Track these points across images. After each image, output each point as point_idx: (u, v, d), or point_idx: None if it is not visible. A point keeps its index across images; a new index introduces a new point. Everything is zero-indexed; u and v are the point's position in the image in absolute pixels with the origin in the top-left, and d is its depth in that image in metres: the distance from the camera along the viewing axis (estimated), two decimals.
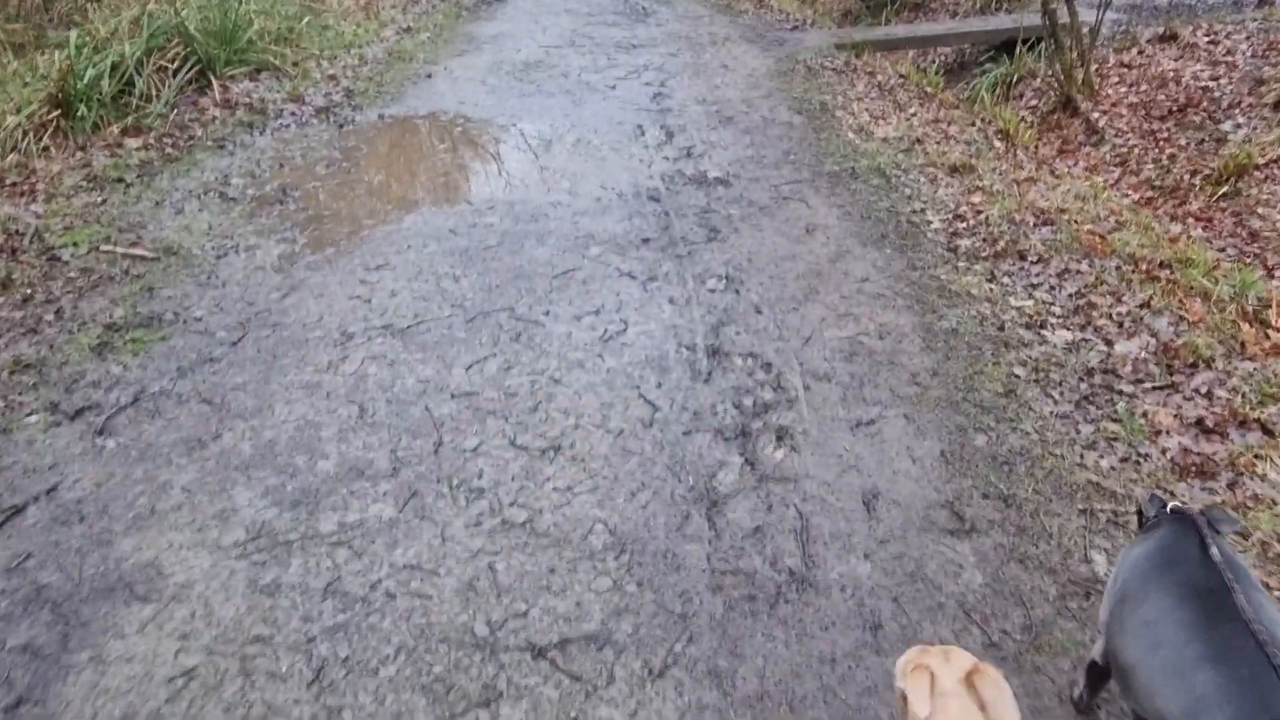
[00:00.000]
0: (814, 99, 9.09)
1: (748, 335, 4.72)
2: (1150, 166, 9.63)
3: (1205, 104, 10.23)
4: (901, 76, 10.49)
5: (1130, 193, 9.08)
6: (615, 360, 4.48)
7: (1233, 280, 5.20)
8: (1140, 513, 2.32)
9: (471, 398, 4.13)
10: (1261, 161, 8.52)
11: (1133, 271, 5.23)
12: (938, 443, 3.81)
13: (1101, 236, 5.81)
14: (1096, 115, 10.86)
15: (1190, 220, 8.42)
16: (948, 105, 9.65)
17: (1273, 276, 7.05)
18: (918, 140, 8.03)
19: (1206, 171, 8.91)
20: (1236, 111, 9.84)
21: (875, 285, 5.24)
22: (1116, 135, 10.40)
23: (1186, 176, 9.07)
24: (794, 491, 3.58)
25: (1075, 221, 6.04)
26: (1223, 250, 7.74)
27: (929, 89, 10.18)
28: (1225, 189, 8.59)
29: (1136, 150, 9.96)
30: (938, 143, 8.10)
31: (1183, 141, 9.83)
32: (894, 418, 3.98)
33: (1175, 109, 10.44)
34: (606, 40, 11.33)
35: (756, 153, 7.62)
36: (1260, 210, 8.17)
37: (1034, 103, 11.90)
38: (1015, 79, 11.99)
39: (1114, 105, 11.02)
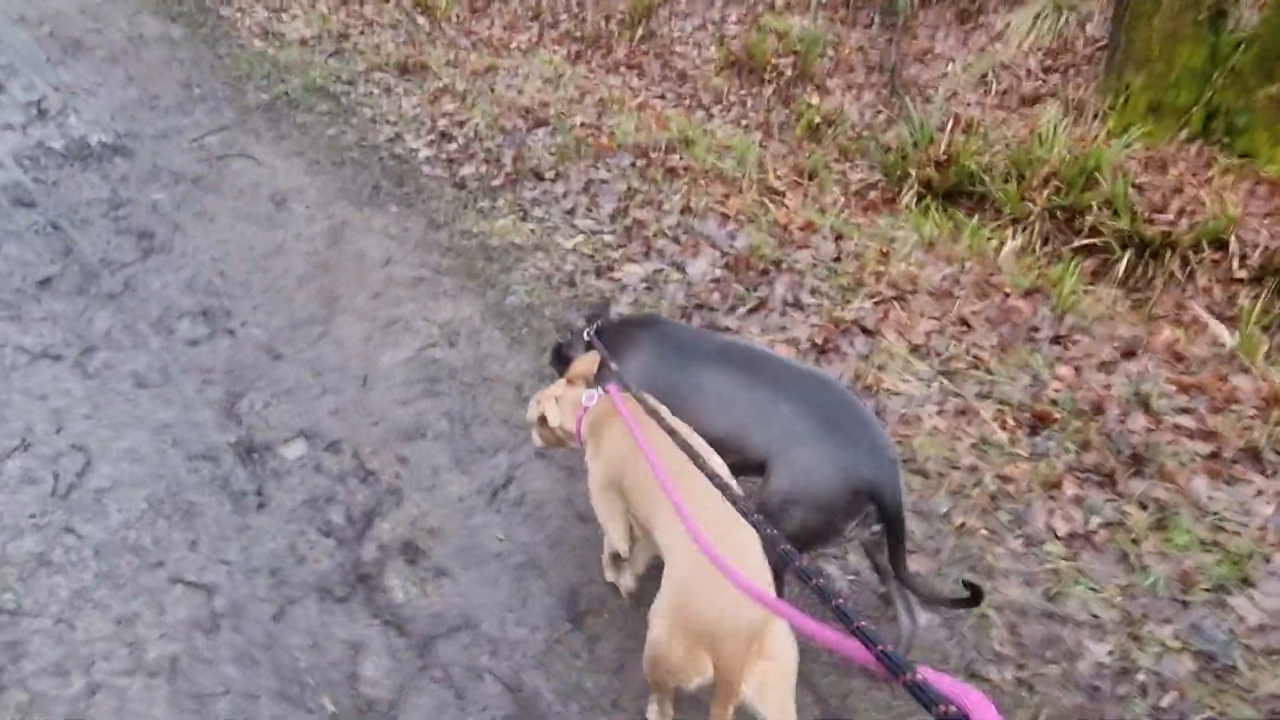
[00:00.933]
0: None
1: (283, 402, 3.34)
2: (565, 18, 9.51)
3: None
4: None
5: (557, 48, 8.88)
6: (97, 531, 2.80)
7: (735, 153, 5.22)
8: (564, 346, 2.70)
9: None
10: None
11: (649, 168, 4.94)
12: None
13: (598, 129, 5.39)
14: None
15: (623, 70, 8.55)
16: None
17: (712, 117, 7.46)
18: (342, 36, 6.63)
19: (620, 16, 9.05)
20: None
21: (407, 266, 4.12)
22: None
23: (603, 23, 9.12)
24: (481, 649, 2.55)
25: (562, 114, 5.51)
26: (662, 99, 8.02)
27: None
28: (640, 31, 8.81)
29: (541, 4, 9.72)
30: (363, 33, 6.80)
31: None
32: (529, 462, 3.13)
33: None
34: None
35: (143, 92, 5.56)
36: (677, 49, 8.58)
37: None
38: None
39: None
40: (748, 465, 2.09)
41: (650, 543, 2.01)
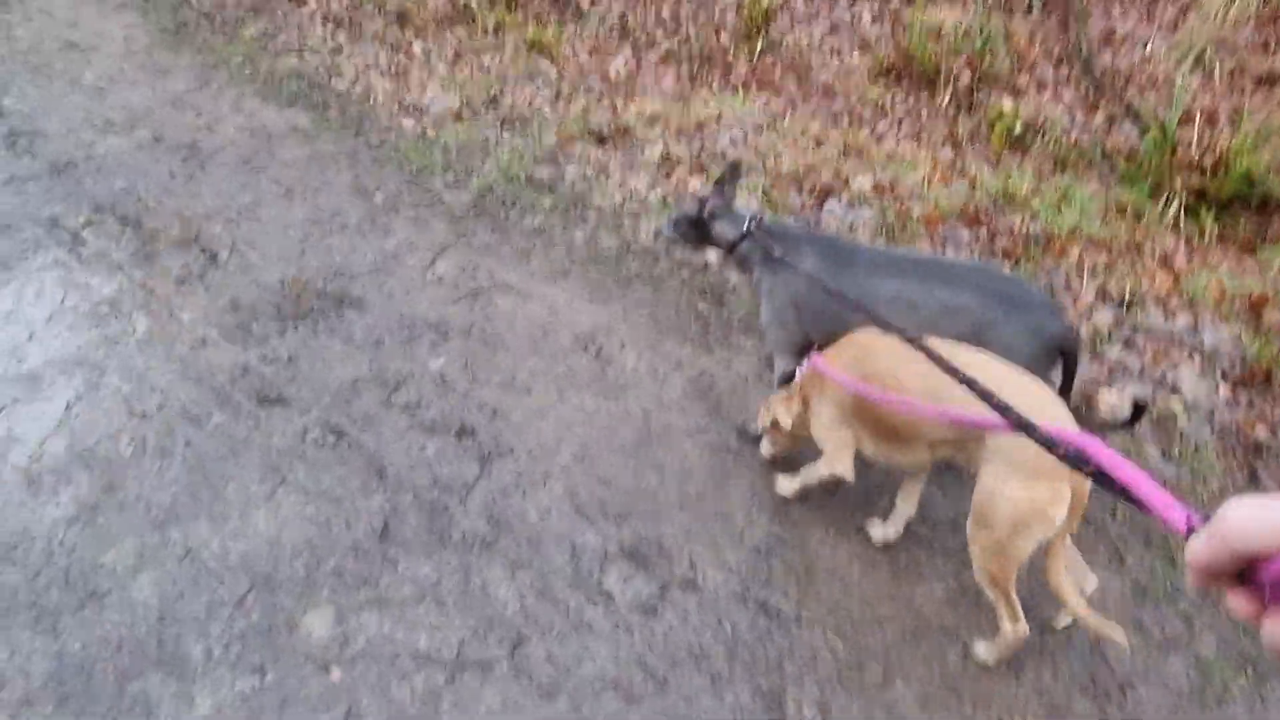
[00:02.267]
0: None
1: None
2: (661, 35, 8.44)
3: None
4: None
5: (662, 67, 7.81)
6: None
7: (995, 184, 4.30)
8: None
9: None
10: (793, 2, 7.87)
11: (994, 239, 4.03)
12: None
13: (891, 191, 4.45)
14: None
15: (754, 90, 7.54)
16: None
17: (880, 136, 6.53)
18: (492, 101, 5.49)
19: (732, 27, 8.02)
20: None
21: None
22: (592, 5, 8.89)
23: (713, 37, 8.08)
24: None
25: (842, 176, 4.55)
26: (837, 118, 7.04)
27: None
28: (760, 43, 7.80)
29: (629, 18, 8.62)
30: (510, 93, 5.67)
31: None
32: None
33: None
34: None
35: (315, 208, 4.37)
36: (814, 59, 7.61)
37: None
38: None
39: None
40: None
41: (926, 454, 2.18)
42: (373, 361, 3.45)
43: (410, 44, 6.28)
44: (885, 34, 7.36)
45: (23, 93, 5.61)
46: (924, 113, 6.76)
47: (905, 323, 2.21)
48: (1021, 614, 2.17)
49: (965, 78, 6.80)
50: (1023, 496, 1.91)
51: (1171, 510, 0.66)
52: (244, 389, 3.29)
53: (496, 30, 7.06)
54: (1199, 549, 0.50)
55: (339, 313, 3.68)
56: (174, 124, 5.17)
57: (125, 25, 6.65)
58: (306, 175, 4.65)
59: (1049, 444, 0.89)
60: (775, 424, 2.45)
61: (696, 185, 4.52)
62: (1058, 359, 2.25)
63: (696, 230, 2.69)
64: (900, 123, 6.67)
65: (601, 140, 4.93)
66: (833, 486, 2.65)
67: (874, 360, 2.13)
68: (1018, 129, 6.05)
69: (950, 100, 6.72)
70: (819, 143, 5.24)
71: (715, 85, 7.57)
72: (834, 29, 7.62)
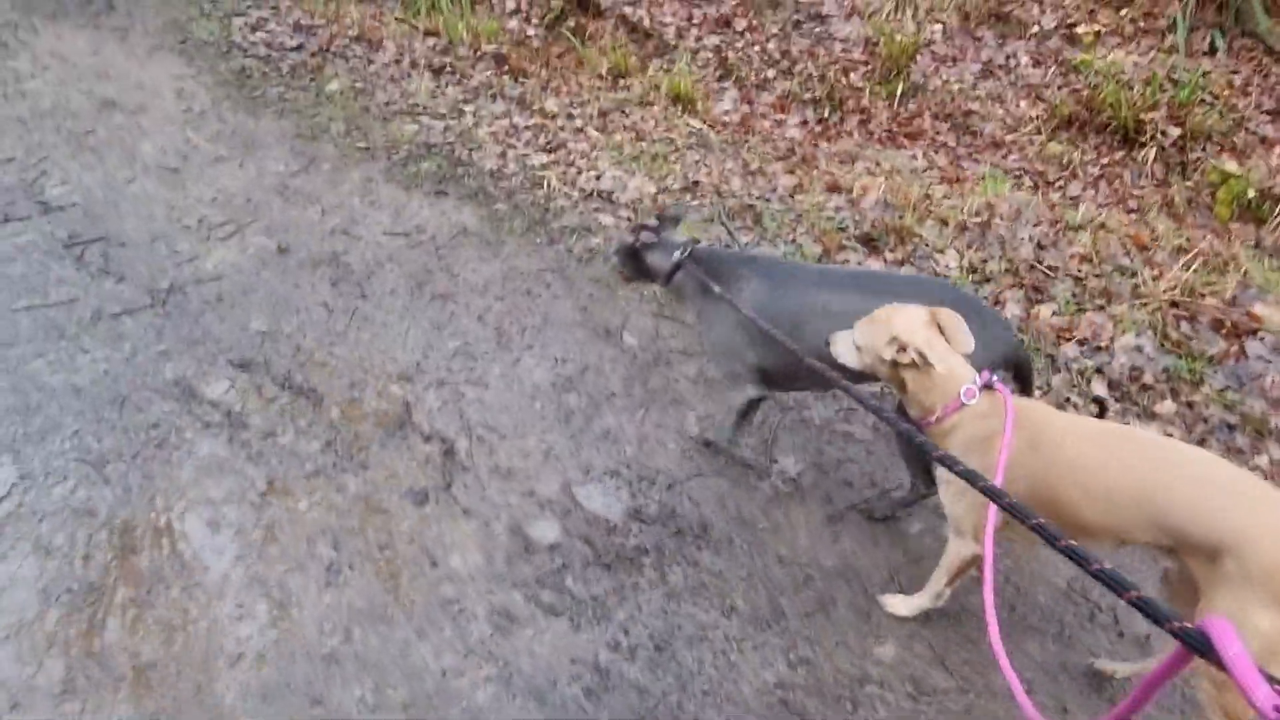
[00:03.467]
0: None
1: None
2: (773, 74, 7.41)
3: None
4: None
5: (781, 116, 6.79)
6: None
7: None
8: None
9: None
10: (932, 39, 6.92)
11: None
12: None
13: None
14: (627, 10, 8.07)
15: (903, 142, 6.59)
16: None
17: (1073, 198, 5.66)
18: (689, 188, 4.41)
19: (865, 69, 7.05)
20: None
21: None
22: (680, 37, 7.81)
23: (842, 79, 7.09)
24: None
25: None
26: (1018, 179, 6.12)
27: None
28: (902, 86, 6.85)
29: (729, 55, 7.58)
30: (698, 172, 4.59)
31: (773, 28, 7.73)
32: None
33: None
34: None
35: (562, 363, 3.26)
36: (970, 106, 6.69)
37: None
38: None
39: None
40: (874, 376, 2.12)
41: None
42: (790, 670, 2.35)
43: (542, 100, 5.13)
44: (1051, 79, 6.47)
45: (69, 176, 4.28)
46: (1125, 174, 5.89)
47: None
48: None
49: (1171, 132, 5.95)
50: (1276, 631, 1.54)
51: (1257, 689, 0.62)
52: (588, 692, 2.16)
53: (617, 77, 5.95)
54: None
55: (691, 558, 2.56)
56: (296, 225, 3.94)
57: (171, 75, 5.31)
58: (516, 305, 3.49)
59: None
60: (902, 357, 1.90)
61: (1047, 314, 3.53)
62: (1009, 373, 2.25)
63: (633, 263, 2.58)
64: (1096, 184, 5.78)
65: (872, 244, 3.89)
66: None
67: (1058, 442, 1.80)
68: (1249, 195, 5.21)
69: (1156, 159, 5.87)
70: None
71: (855, 134, 6.60)
72: (987, 72, 6.70)
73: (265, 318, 3.41)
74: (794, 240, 3.82)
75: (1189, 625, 0.72)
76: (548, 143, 4.60)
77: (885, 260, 3.72)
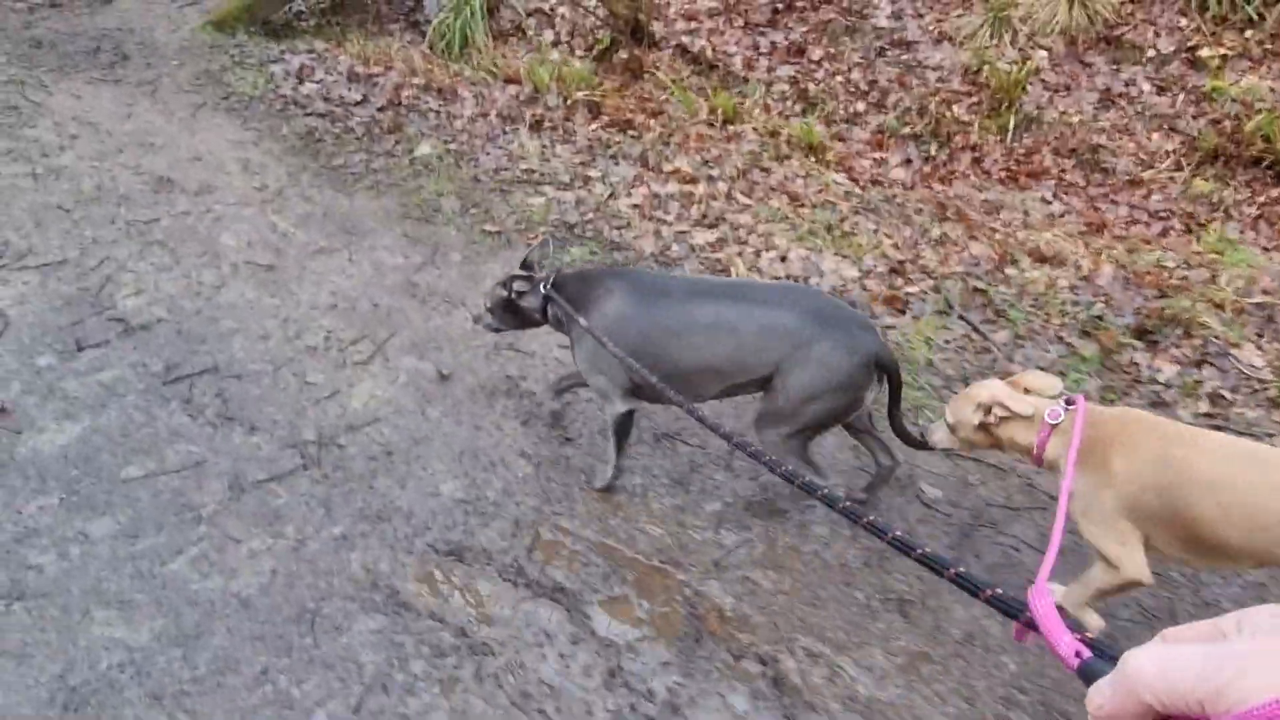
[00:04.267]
0: None
1: None
2: (863, 106, 6.83)
3: None
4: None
5: (880, 154, 6.21)
6: None
7: None
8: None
9: None
10: (1040, 66, 6.40)
11: None
12: None
13: None
14: (685, 40, 7.46)
15: (1022, 181, 6.05)
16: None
17: (1232, 242, 5.19)
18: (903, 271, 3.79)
19: (970, 100, 6.51)
20: None
21: None
22: (749, 69, 7.20)
23: (941, 111, 6.55)
24: None
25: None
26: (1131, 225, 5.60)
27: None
28: (1013, 119, 6.32)
29: (809, 87, 6.97)
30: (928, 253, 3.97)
31: (854, 57, 7.16)
32: None
33: (784, 6, 7.63)
34: None
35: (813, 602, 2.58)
36: (1097, 140, 6.17)
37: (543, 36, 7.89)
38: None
39: (686, 19, 7.70)
40: (746, 384, 2.23)
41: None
42: None
43: (667, 157, 4.46)
44: (1181, 108, 5.99)
45: (143, 281, 3.50)
46: None
47: (725, 347, 2.20)
48: None
49: None
50: None
51: (1061, 643, 0.60)
52: None
53: (725, 120, 5.31)
54: (1104, 702, 0.46)
55: None
56: (446, 339, 3.23)
57: (229, 142, 4.52)
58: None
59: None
60: (989, 422, 2.01)
61: None
62: (878, 377, 2.23)
63: (514, 314, 2.55)
64: (1255, 225, 5.30)
65: (1148, 337, 3.29)
66: None
67: (1197, 461, 1.78)
68: None
69: None
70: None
71: (970, 174, 6.06)
72: (1107, 101, 6.20)
73: (457, 479, 2.69)
74: (1061, 339, 3.20)
75: (1001, 591, 0.73)
76: (703, 215, 3.94)
77: (1172, 358, 3.13)
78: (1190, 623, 0.46)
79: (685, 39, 7.52)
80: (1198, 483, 1.78)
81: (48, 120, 4.68)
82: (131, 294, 3.45)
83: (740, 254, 3.67)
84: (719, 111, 5.28)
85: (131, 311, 3.35)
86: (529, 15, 8.05)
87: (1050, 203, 5.70)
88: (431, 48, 7.65)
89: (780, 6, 7.53)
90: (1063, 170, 5.99)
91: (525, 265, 2.54)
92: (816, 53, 7.15)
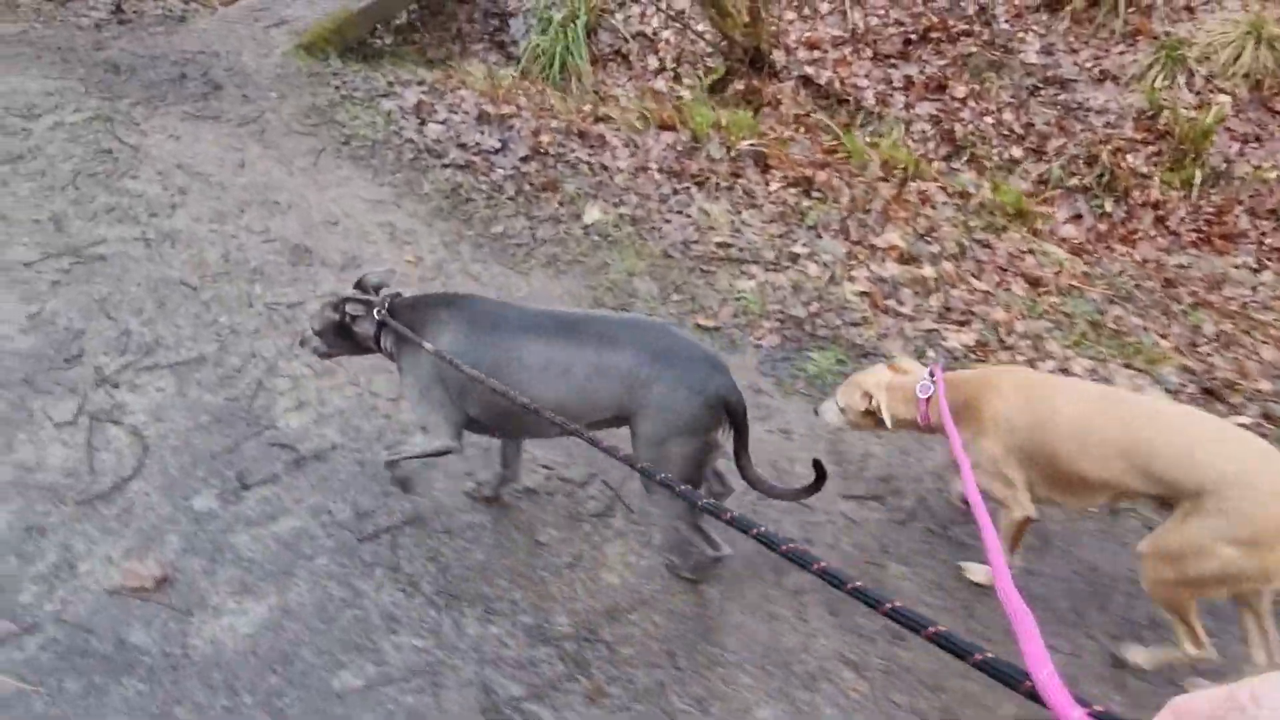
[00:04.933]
0: None
1: None
2: (1019, 152, 6.20)
3: (961, 20, 6.97)
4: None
5: (1046, 208, 5.55)
6: None
7: None
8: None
9: None
10: (1228, 112, 5.77)
11: None
12: None
13: None
14: (810, 70, 6.85)
15: (1217, 244, 5.42)
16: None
17: None
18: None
19: (1150, 150, 5.88)
20: (1015, 21, 6.86)
21: None
22: (881, 103, 6.58)
23: (1115, 161, 5.92)
24: None
25: None
26: None
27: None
28: (1199, 173, 5.68)
29: (955, 128, 6.34)
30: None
31: (1003, 95, 6.52)
32: None
33: (918, 36, 7.01)
34: None
35: None
36: None
37: (656, 65, 7.29)
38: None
39: (809, 47, 7.09)
40: (600, 424, 2.07)
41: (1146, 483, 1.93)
42: None
43: (873, 228, 3.83)
44: None
45: (302, 389, 2.88)
46: None
47: (558, 390, 2.02)
48: (1205, 640, 1.93)
49: None
50: (1243, 561, 1.77)
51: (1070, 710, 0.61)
52: None
53: (905, 177, 4.69)
54: None
55: None
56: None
57: (365, 201, 3.89)
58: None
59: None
60: (870, 414, 2.22)
61: None
62: (724, 419, 2.03)
63: (345, 339, 2.30)
64: None
65: None
66: None
67: (1056, 405, 2.02)
68: None
69: None
70: None
71: (1154, 235, 5.45)
72: None
73: (772, 700, 2.05)
74: None
75: (993, 656, 0.72)
76: (945, 307, 3.31)
77: None
78: (1200, 691, 0.45)
79: (809, 69, 6.90)
80: (1058, 422, 1.99)
81: (149, 169, 4.04)
82: (292, 408, 2.81)
83: (967, 340, 3.05)
84: (893, 166, 4.65)
85: (298, 434, 2.71)
86: (629, 39, 7.44)
87: (1259, 270, 5.09)
88: (524, 74, 7.02)
89: (913, 37, 6.91)
90: (1262, 233, 5.38)
91: (360, 286, 2.31)
92: (959, 89, 6.53)
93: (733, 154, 4.50)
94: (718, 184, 4.14)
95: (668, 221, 3.76)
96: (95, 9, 6.43)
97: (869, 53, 6.99)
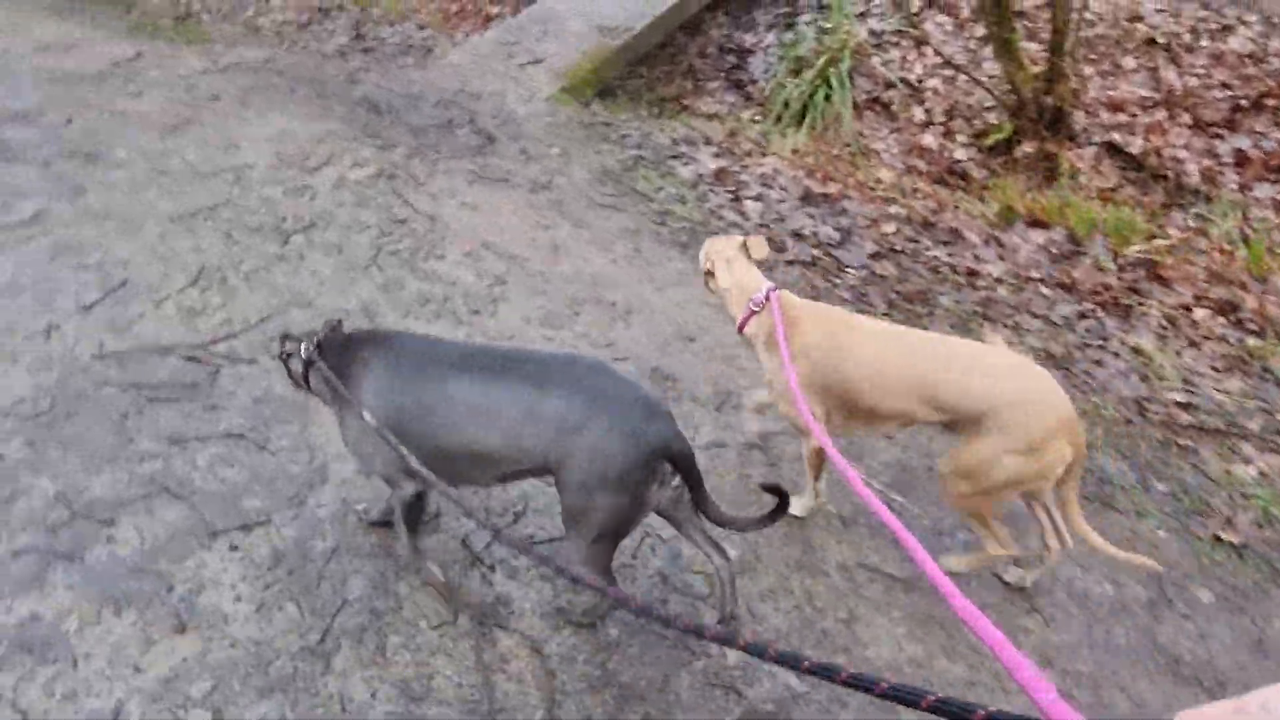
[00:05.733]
0: None
1: None
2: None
3: None
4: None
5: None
6: None
7: None
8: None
9: None
10: None
11: None
12: None
13: None
14: (1116, 136, 5.93)
15: None
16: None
17: None
18: None
19: None
20: None
21: None
22: (1209, 182, 5.61)
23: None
24: None
25: None
26: None
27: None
28: None
29: None
30: None
31: None
32: None
33: (1249, 103, 6.01)
34: None
35: None
36: None
37: (927, 120, 6.47)
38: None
39: (1112, 109, 6.17)
40: (526, 472, 1.93)
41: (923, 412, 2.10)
42: None
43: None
44: None
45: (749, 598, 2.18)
46: None
47: (486, 432, 1.84)
48: (1009, 540, 2.16)
49: None
50: (1023, 467, 1.99)
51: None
52: None
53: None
54: None
55: None
56: None
57: (714, 304, 3.21)
58: None
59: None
60: (710, 274, 2.37)
61: None
62: (662, 465, 1.82)
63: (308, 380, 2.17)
64: None
65: None
66: None
67: (854, 341, 2.15)
68: None
69: None
70: None
71: None
72: None
73: None
74: None
75: (998, 711, 0.73)
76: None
77: None
78: (1208, 704, 0.45)
79: (1115, 135, 6.00)
80: (856, 358, 2.13)
81: (453, 248, 3.49)
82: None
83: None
84: None
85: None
86: (889, 87, 6.69)
87: None
88: (765, 117, 6.34)
89: (1243, 103, 5.93)
90: None
91: (330, 325, 2.19)
92: None
93: (1116, 259, 3.69)
94: (1104, 299, 3.34)
95: (1096, 363, 2.98)
96: (335, 34, 6.03)
97: (1187, 118, 6.05)
